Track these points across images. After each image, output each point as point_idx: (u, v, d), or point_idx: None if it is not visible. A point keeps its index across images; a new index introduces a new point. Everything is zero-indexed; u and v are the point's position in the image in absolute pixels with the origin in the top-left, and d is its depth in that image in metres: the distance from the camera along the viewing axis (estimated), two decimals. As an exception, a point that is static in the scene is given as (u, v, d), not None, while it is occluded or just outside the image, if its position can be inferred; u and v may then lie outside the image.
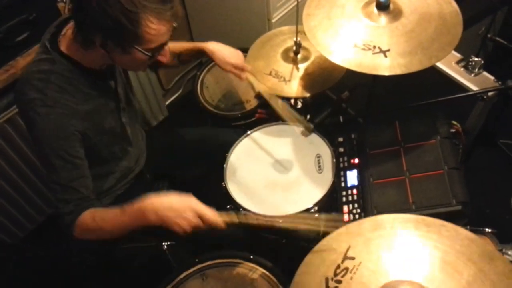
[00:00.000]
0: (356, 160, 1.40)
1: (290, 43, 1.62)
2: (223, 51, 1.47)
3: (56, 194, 1.16)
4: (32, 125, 1.11)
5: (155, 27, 1.02)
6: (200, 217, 1.07)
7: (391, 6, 1.27)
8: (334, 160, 1.43)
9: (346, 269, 0.94)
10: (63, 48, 1.13)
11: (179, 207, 1.07)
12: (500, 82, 1.43)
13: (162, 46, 1.10)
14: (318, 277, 0.94)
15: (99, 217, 1.14)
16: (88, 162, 1.21)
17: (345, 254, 0.96)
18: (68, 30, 1.15)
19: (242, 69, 1.47)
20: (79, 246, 1.58)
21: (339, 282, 0.92)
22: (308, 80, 1.54)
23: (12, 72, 1.55)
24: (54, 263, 1.99)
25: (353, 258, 0.95)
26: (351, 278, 0.92)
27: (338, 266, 0.95)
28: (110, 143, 1.31)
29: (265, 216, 1.22)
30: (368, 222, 1.01)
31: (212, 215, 1.08)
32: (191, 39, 2.49)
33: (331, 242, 1.00)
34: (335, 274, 0.94)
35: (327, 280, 0.93)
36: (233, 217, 1.14)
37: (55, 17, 1.61)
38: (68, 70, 1.13)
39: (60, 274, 1.97)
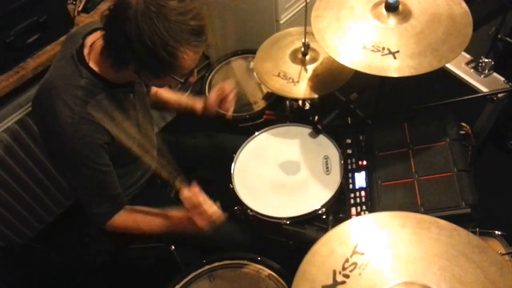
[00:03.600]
0: (364, 162, 1.39)
1: (298, 44, 1.62)
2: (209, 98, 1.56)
3: (86, 196, 1.22)
4: (57, 138, 1.13)
5: (191, 59, 1.06)
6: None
7: (400, 7, 1.27)
8: (342, 161, 1.43)
9: (355, 264, 0.93)
10: (91, 62, 1.14)
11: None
12: (510, 84, 1.42)
13: (193, 70, 1.14)
14: (325, 268, 0.94)
15: (141, 220, 1.29)
16: None
17: (355, 248, 0.96)
18: (97, 42, 1.16)
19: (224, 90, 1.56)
20: (88, 248, 1.60)
21: (347, 276, 0.92)
22: (317, 81, 1.54)
23: (23, 74, 1.56)
24: (63, 263, 2.01)
25: (362, 254, 0.95)
26: (360, 274, 0.92)
27: (347, 260, 0.94)
28: (127, 152, 1.32)
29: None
30: (379, 217, 1.00)
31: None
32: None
33: (340, 235, 1.00)
34: (343, 268, 0.93)
35: (334, 272, 0.93)
36: None
37: (65, 19, 1.64)
38: (93, 85, 1.14)
39: (69, 274, 1.98)
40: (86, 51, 1.16)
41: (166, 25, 0.99)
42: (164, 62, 1.03)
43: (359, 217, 1.04)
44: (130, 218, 1.30)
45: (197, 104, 1.60)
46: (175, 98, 1.62)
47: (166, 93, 1.61)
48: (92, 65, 1.14)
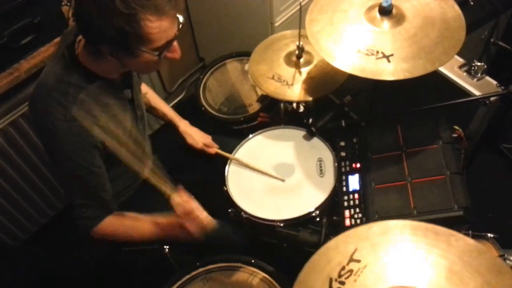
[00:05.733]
0: (358, 165, 1.39)
1: (292, 47, 1.62)
2: (193, 135, 1.64)
3: (76, 200, 1.20)
4: (50, 137, 1.12)
5: (156, 25, 0.99)
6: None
7: (394, 11, 1.27)
8: (336, 164, 1.43)
9: (351, 271, 0.94)
10: (81, 58, 1.13)
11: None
12: (503, 87, 1.43)
13: (168, 43, 1.06)
14: (322, 277, 0.94)
15: (129, 225, 1.27)
16: None
17: (351, 256, 0.96)
18: (82, 39, 1.14)
19: (211, 147, 1.64)
20: (82, 250, 1.59)
21: (343, 283, 0.92)
22: (311, 84, 1.54)
23: (16, 75, 1.56)
24: (57, 265, 2.00)
25: (358, 261, 0.95)
26: (355, 280, 0.92)
27: (343, 268, 0.94)
28: (125, 150, 1.31)
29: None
30: (377, 226, 1.01)
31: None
32: (194, 43, 2.50)
33: (339, 243, 1.00)
34: (339, 276, 0.93)
35: (330, 280, 0.93)
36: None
37: (59, 20, 1.64)
38: (85, 81, 1.12)
39: (62, 277, 1.97)
40: (77, 48, 1.14)
41: None
42: (129, 34, 0.98)
43: (357, 227, 1.04)
44: (118, 223, 1.26)
45: (180, 126, 1.64)
46: (163, 108, 1.65)
47: (154, 99, 1.63)
48: (81, 60, 1.12)
